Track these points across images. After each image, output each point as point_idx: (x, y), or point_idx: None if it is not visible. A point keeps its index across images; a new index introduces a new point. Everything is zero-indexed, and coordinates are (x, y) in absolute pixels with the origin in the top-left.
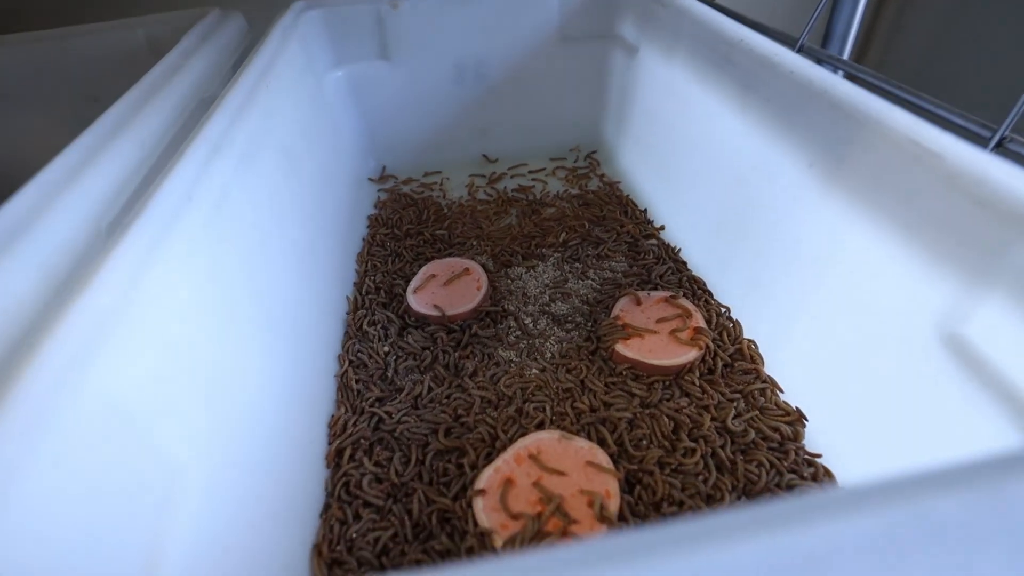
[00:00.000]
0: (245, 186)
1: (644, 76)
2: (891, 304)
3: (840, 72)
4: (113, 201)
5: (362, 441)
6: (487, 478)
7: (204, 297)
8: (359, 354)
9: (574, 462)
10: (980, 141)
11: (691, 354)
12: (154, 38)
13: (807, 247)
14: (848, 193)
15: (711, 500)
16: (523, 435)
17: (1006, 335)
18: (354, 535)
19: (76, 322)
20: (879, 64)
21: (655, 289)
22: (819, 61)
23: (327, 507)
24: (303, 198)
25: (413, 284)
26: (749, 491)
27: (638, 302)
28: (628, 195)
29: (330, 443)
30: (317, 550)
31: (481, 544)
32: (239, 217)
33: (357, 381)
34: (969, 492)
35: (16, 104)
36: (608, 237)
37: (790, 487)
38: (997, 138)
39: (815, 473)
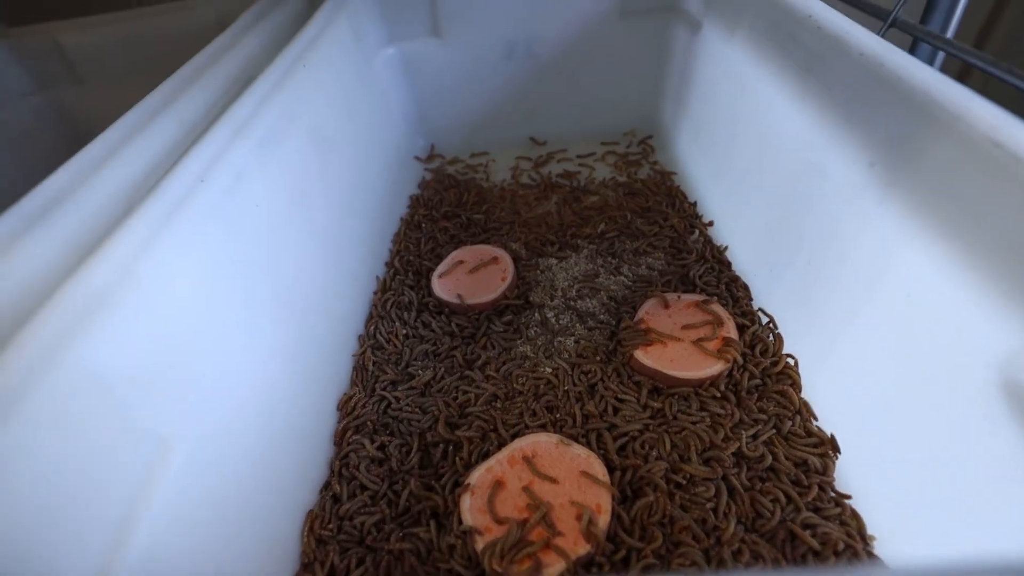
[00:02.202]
0: (265, 169)
1: (706, 55)
2: (946, 337)
3: (940, 54)
4: (146, 180)
5: (368, 423)
6: (478, 476)
7: (208, 277)
8: (379, 335)
9: (569, 470)
10: None
11: (715, 367)
12: (223, 15)
13: (859, 260)
14: (910, 200)
15: (716, 530)
16: (522, 435)
17: None
18: (344, 515)
19: (69, 297)
20: (1005, 47)
21: (692, 290)
22: (915, 40)
23: (327, 484)
24: (335, 179)
25: (440, 269)
26: (759, 526)
27: (666, 305)
28: (679, 186)
29: (339, 422)
30: (309, 525)
31: (463, 543)
32: (254, 199)
33: (374, 363)
34: None
35: (102, 80)
36: (650, 231)
37: (808, 526)
38: None
39: (841, 514)
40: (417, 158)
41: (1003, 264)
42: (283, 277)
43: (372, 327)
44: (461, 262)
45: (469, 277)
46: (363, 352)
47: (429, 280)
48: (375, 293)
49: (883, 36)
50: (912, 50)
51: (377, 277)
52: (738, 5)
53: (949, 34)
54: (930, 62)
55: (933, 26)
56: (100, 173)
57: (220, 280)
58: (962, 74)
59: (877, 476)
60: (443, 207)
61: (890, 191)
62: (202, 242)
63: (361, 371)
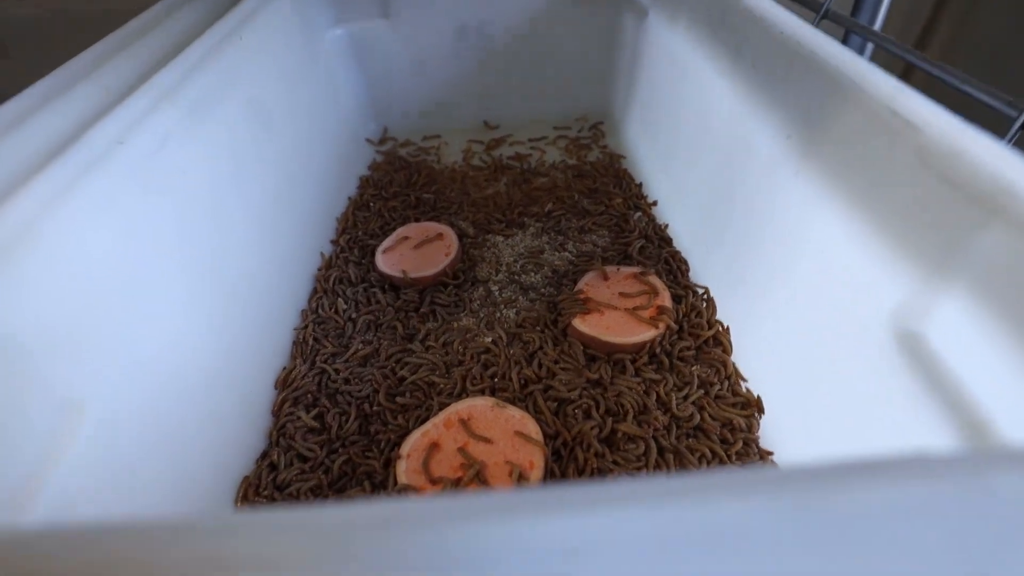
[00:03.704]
0: (194, 136)
1: (652, 42)
2: (851, 294)
3: (869, 45)
4: (64, 143)
5: (307, 395)
6: (413, 442)
7: (128, 239)
8: (321, 310)
9: (503, 430)
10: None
11: (648, 333)
12: None
13: (779, 229)
14: (821, 169)
15: None
16: (459, 400)
17: (960, 336)
18: (281, 484)
19: None
20: (947, 51)
21: (631, 264)
22: (847, 32)
23: (264, 453)
24: (274, 155)
25: (384, 244)
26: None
27: (605, 277)
28: (627, 169)
29: (278, 394)
30: (243, 491)
31: None
32: (182, 165)
33: (315, 337)
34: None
35: (29, 54)
36: (595, 210)
37: None
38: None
39: (763, 465)
40: (368, 140)
41: (896, 221)
42: (213, 246)
43: (315, 302)
44: (406, 238)
45: (413, 252)
46: (305, 327)
47: (374, 257)
48: (319, 269)
49: (816, 27)
50: (844, 42)
51: (322, 254)
52: None
53: (876, 26)
54: (860, 53)
55: (862, 19)
56: (13, 134)
57: (142, 243)
58: (906, 72)
59: (797, 431)
60: (392, 187)
61: (805, 162)
62: (119, 204)
63: (301, 345)
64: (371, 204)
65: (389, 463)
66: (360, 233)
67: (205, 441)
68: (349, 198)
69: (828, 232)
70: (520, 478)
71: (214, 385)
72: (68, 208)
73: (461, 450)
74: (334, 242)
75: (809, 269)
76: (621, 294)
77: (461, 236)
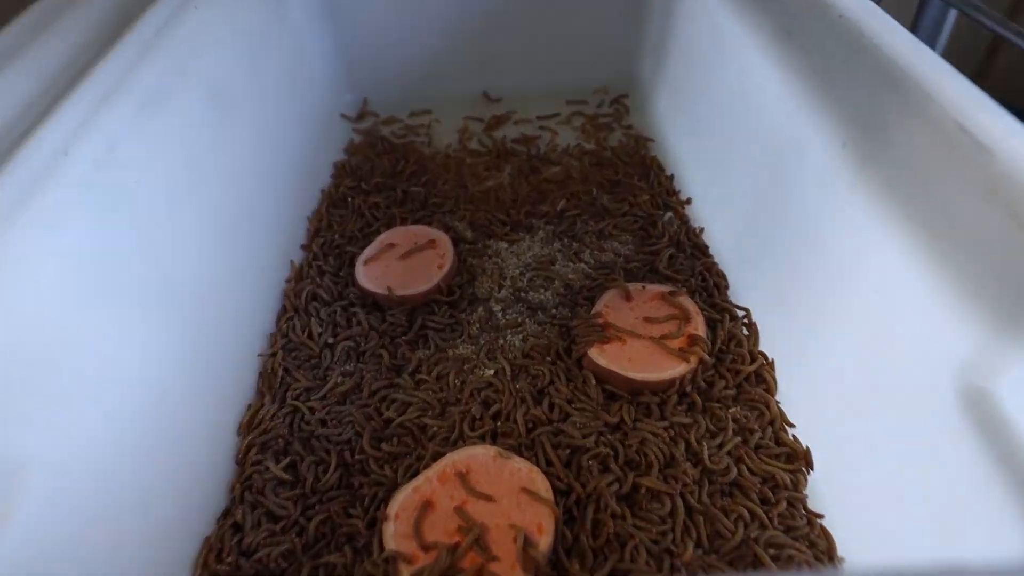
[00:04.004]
0: (146, 137)
1: (688, 4)
2: (910, 339)
3: (951, 13)
4: None
5: (277, 440)
6: (403, 499)
7: (74, 269)
8: (292, 334)
9: (507, 487)
10: None
11: (678, 368)
12: None
13: (832, 252)
14: (880, 188)
15: (671, 554)
16: (456, 448)
17: None
18: (248, 549)
19: None
20: None
21: (658, 280)
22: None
23: (227, 511)
24: (236, 147)
25: (366, 254)
26: (719, 546)
27: (628, 297)
28: (655, 156)
29: (243, 438)
30: (203, 559)
31: (384, 572)
32: (133, 175)
33: (285, 368)
34: None
35: None
36: (617, 209)
37: (773, 546)
38: None
39: (810, 533)
40: (344, 116)
41: (964, 261)
42: (170, 266)
43: (284, 324)
44: (392, 246)
45: (400, 264)
46: (273, 354)
47: (353, 267)
48: (287, 281)
49: None
50: (920, 10)
51: (292, 262)
52: None
53: None
54: (940, 22)
55: None
56: None
57: (90, 272)
58: (993, 47)
59: (846, 489)
60: (374, 177)
61: (861, 176)
62: (64, 228)
63: (269, 377)
64: (349, 199)
65: (375, 523)
66: (336, 236)
67: (161, 497)
68: (322, 191)
69: (887, 263)
70: (527, 545)
71: (174, 432)
72: (7, 238)
73: (458, 510)
74: (305, 247)
75: (865, 304)
76: (646, 319)
77: (457, 242)
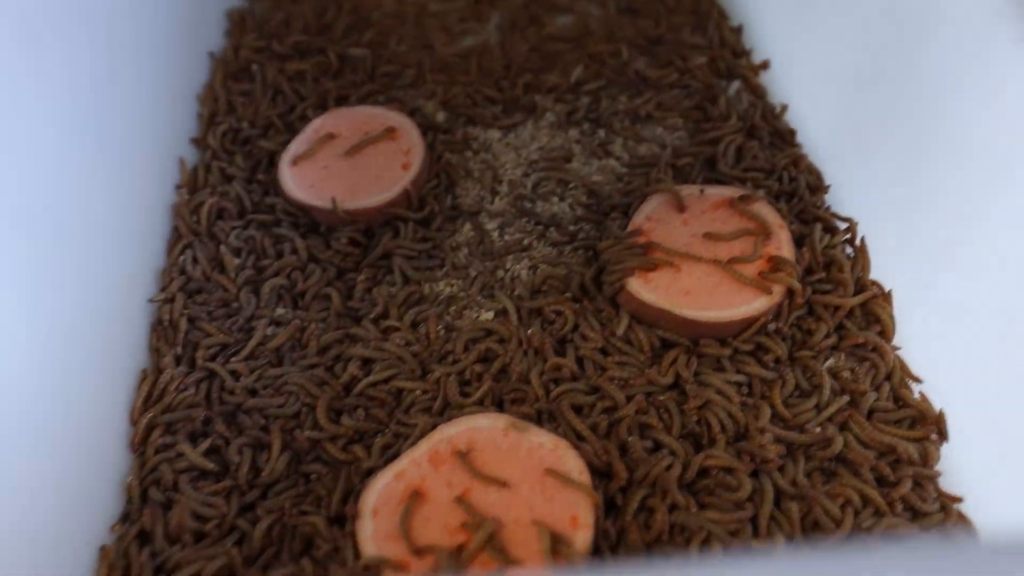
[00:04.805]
0: None
1: None
2: None
3: None
4: None
5: (191, 417)
6: (382, 490)
7: None
8: (189, 268)
9: (526, 468)
10: None
11: (755, 303)
12: None
13: (982, 135)
14: None
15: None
16: (450, 419)
17: None
18: (166, 565)
19: None
20: None
21: (718, 182)
22: None
23: (125, 516)
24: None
25: (293, 149)
26: (818, 540)
27: (680, 206)
28: None
29: (135, 419)
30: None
31: None
32: None
33: (189, 317)
34: None
35: None
36: (660, 78)
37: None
38: None
39: (944, 521)
40: None
41: None
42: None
43: (179, 254)
44: (331, 136)
45: (346, 163)
46: (169, 300)
47: (275, 168)
48: (177, 188)
49: None
50: None
51: (182, 162)
52: None
53: None
54: None
55: None
56: None
57: None
58: None
59: (993, 464)
60: (291, 34)
61: None
62: None
63: (167, 330)
64: (255, 67)
65: (343, 521)
66: (244, 124)
67: (33, 510)
68: (211, 55)
69: None
70: (557, 544)
71: (33, 414)
72: None
73: (460, 500)
74: (198, 142)
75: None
76: (707, 236)
77: (425, 130)
